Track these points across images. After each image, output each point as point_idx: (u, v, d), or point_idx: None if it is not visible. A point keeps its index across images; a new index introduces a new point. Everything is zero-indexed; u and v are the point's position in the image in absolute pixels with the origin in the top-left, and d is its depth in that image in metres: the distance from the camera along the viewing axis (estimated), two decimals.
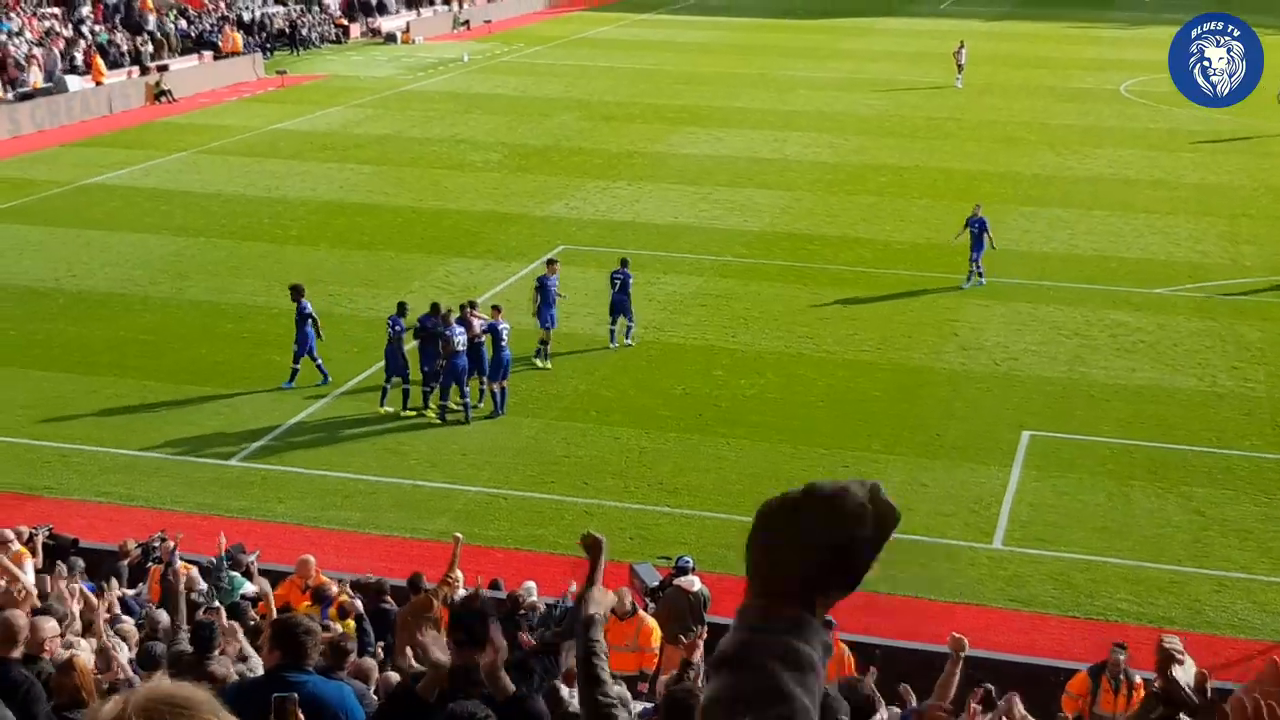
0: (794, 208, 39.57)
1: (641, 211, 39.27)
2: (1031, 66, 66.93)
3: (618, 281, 28.40)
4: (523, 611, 15.73)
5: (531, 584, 17.07)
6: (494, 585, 17.40)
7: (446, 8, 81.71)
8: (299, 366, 26.27)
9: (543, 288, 27.41)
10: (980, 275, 32.57)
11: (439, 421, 24.68)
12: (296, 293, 26.64)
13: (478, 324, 25.23)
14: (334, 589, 15.60)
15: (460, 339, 24.50)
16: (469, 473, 22.77)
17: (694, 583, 16.25)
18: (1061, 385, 26.72)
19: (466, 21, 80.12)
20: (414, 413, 24.88)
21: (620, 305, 28.42)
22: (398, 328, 25.25)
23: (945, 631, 17.82)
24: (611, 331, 28.63)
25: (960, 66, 61.17)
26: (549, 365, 27.16)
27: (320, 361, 26.32)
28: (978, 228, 32.33)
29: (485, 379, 25.25)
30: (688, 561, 16.68)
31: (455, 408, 24.85)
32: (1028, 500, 21.89)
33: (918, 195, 41.38)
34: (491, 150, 46.86)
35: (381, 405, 25.08)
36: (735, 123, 52.21)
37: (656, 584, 16.99)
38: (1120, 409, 25.54)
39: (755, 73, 64.31)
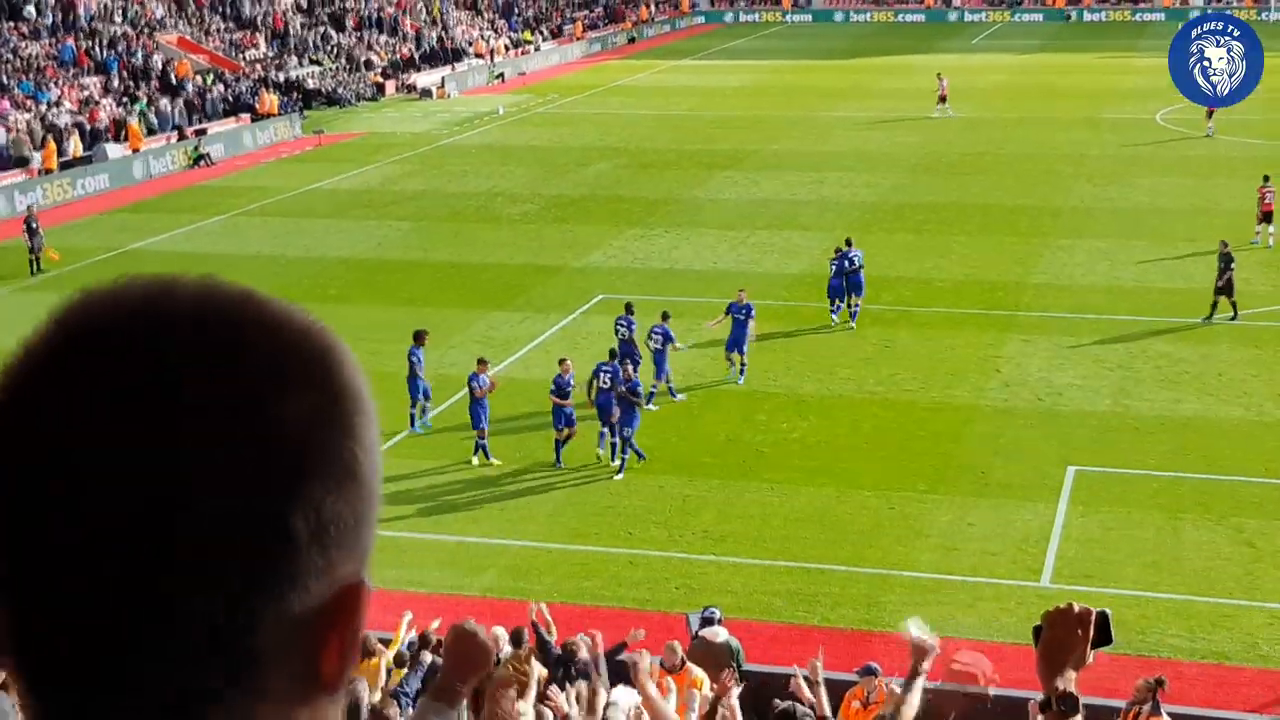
0: (833, 249, 39.45)
1: (680, 258, 39.33)
2: (1066, 98, 66.85)
3: (851, 262, 31.84)
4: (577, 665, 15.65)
5: (583, 637, 16.99)
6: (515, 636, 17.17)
7: (481, 61, 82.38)
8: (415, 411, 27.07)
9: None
10: (740, 370, 29.01)
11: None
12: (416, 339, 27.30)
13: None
14: (376, 645, 15.61)
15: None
16: (513, 526, 22.77)
17: (719, 634, 16.08)
18: (1106, 419, 26.52)
19: (501, 74, 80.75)
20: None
21: (836, 289, 31.88)
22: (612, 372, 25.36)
23: (996, 674, 17.69)
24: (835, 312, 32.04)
25: (943, 98, 61.80)
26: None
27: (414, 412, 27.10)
28: (744, 314, 29.05)
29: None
30: (713, 612, 16.48)
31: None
32: (1075, 537, 21.70)
33: (956, 232, 41.28)
34: (528, 202, 47.10)
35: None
36: (772, 165, 52.31)
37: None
38: (1166, 441, 25.32)
39: (790, 115, 64.47)
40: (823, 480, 24.19)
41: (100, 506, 1.21)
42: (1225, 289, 31.37)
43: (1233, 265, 31.26)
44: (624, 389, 24.77)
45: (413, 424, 27.02)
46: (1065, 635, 3.36)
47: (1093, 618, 3.36)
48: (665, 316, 28.35)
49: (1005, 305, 33.87)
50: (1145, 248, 38.51)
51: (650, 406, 27.25)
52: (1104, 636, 3.41)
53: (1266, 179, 38.94)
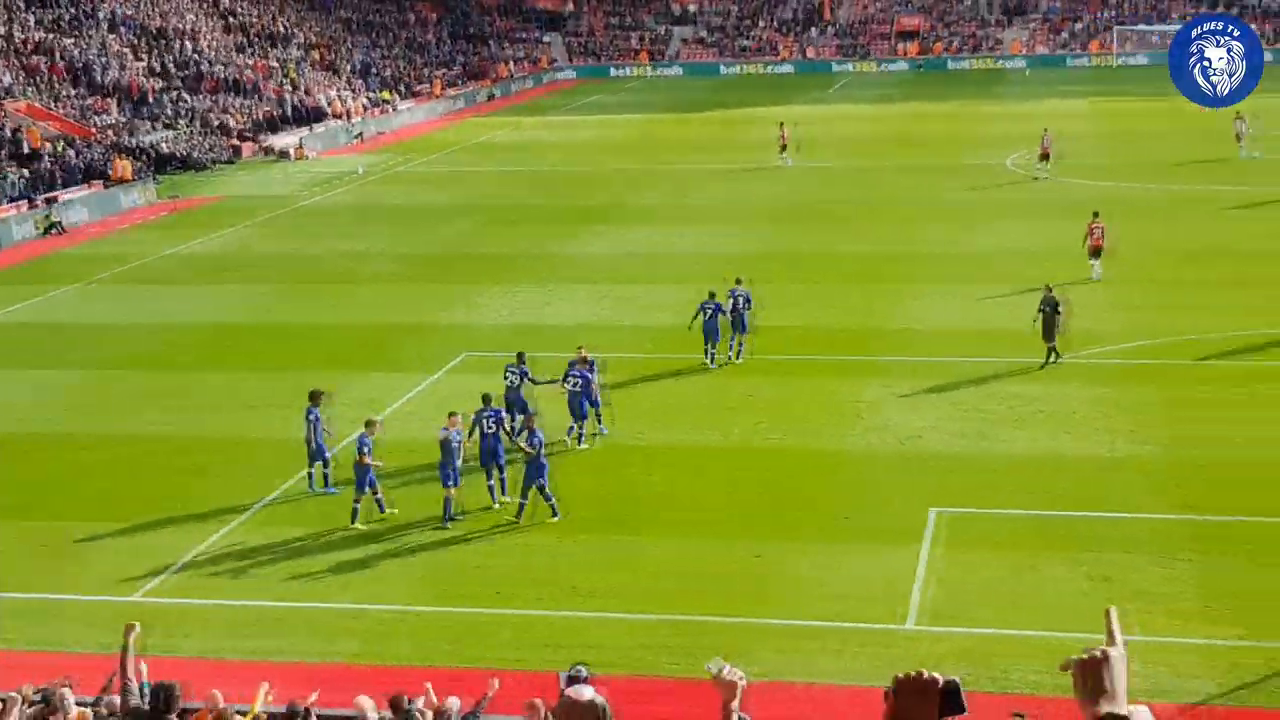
0: (697, 299, 39.73)
1: (545, 314, 39.38)
2: (921, 146, 68.32)
3: (736, 302, 33.07)
4: None
5: (454, 700, 16.82)
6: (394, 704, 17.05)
7: (339, 122, 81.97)
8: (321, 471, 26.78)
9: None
10: (599, 419, 29.04)
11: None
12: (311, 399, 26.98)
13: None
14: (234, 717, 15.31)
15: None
16: (379, 591, 22.52)
17: (584, 692, 15.94)
18: (965, 460, 26.98)
19: (360, 134, 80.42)
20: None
21: (711, 331, 32.77)
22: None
23: (862, 718, 17.85)
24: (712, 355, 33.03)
25: (784, 145, 62.84)
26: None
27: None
28: (583, 378, 28.45)
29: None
30: (580, 670, 16.39)
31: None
32: (938, 578, 21.99)
33: (817, 280, 41.85)
34: (391, 261, 46.90)
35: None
36: (636, 219, 52.68)
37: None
38: (1023, 480, 25.81)
39: (654, 168, 65.06)
40: (690, 532, 24.28)
41: None
42: (1049, 334, 32.01)
43: (1060, 310, 31.96)
44: (525, 445, 24.91)
45: (311, 484, 26.74)
46: (914, 704, 3.35)
47: (940, 685, 3.36)
48: (590, 363, 28.78)
49: (865, 351, 34.38)
50: (998, 290, 39.35)
51: (602, 430, 28.82)
52: (954, 705, 3.41)
53: (1095, 215, 40.78)
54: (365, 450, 25.10)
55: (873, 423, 29.31)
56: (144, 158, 66.32)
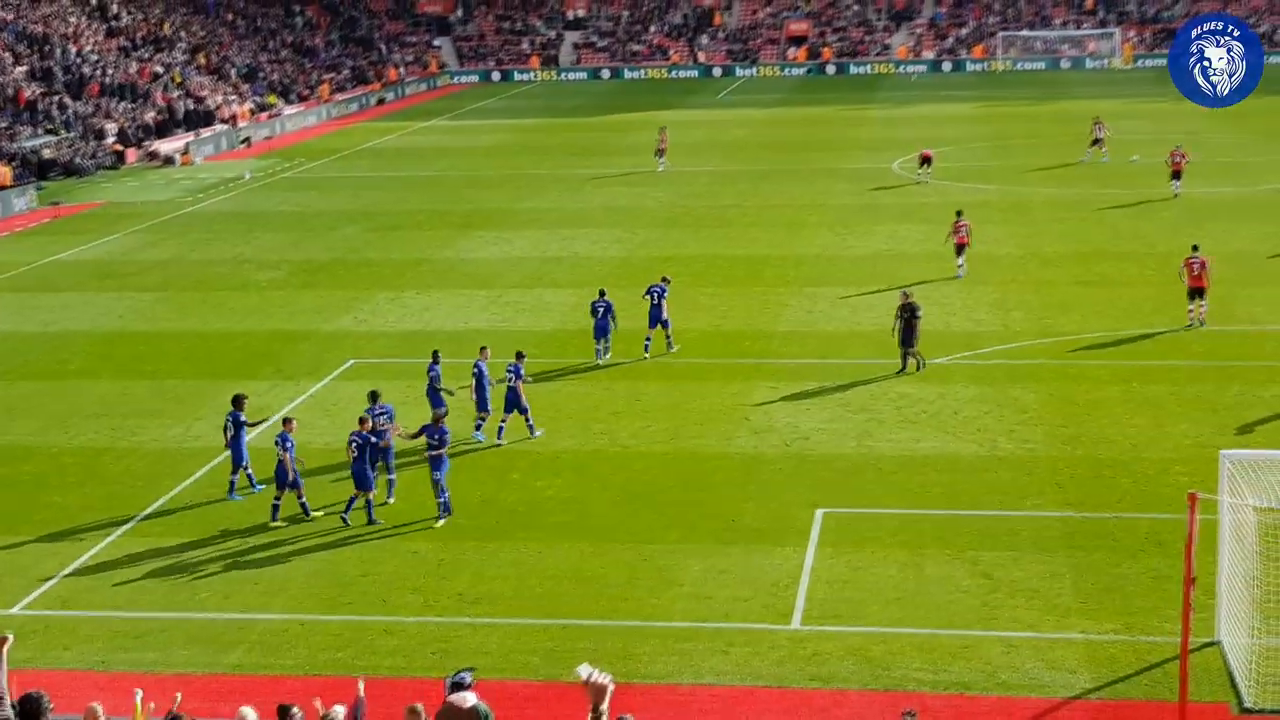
0: (584, 304, 39.77)
1: (432, 319, 39.22)
2: (808, 150, 68.95)
3: (651, 296, 34.24)
4: None
5: (339, 708, 16.70)
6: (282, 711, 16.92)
7: (225, 127, 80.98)
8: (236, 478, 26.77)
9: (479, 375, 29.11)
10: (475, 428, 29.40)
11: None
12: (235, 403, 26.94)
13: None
14: None
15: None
16: (263, 601, 22.28)
17: (467, 699, 15.93)
18: (851, 461, 27.28)
19: (247, 139, 79.53)
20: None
21: (602, 330, 33.96)
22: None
23: (750, 718, 17.99)
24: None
25: (662, 151, 63.63)
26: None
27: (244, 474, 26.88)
28: (515, 372, 29.11)
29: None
30: (464, 676, 16.34)
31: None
32: (824, 578, 22.21)
33: (705, 284, 42.08)
34: (276, 268, 46.45)
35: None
36: (523, 224, 52.65)
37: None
38: (907, 480, 26.15)
39: (541, 173, 65.02)
40: (577, 536, 24.31)
41: None
42: (907, 340, 32.35)
43: (919, 315, 32.34)
44: (435, 440, 24.96)
45: (231, 491, 26.60)
46: None
47: None
48: (520, 356, 29.52)
49: (752, 354, 34.65)
50: (884, 292, 39.82)
51: (497, 442, 28.97)
52: None
53: (959, 214, 41.85)
54: (289, 447, 25.24)
55: (759, 424, 29.53)
56: (25, 164, 65.06)
